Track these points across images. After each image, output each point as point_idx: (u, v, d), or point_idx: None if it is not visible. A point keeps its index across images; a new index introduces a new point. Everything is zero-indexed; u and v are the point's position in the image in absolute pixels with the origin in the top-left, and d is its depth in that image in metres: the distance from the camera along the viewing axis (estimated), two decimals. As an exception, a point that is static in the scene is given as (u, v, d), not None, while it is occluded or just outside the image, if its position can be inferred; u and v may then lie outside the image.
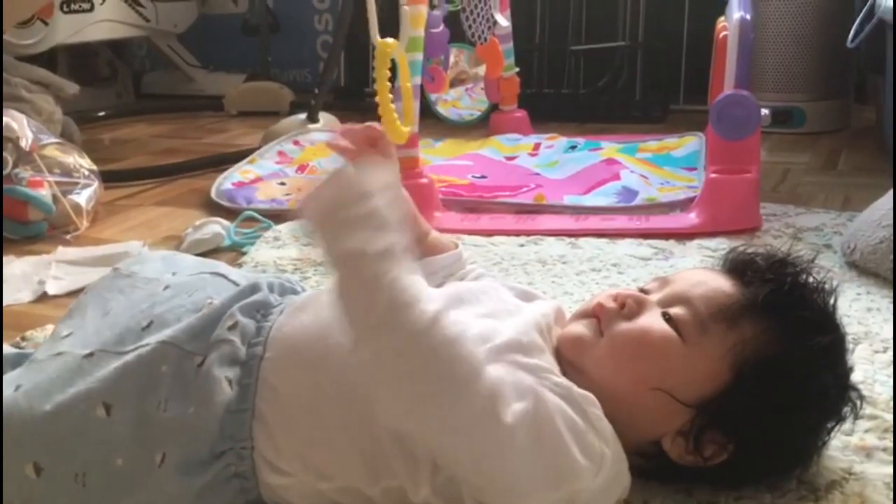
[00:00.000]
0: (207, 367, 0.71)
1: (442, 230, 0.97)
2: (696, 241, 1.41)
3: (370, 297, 0.63)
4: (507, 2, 2.20)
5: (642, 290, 0.77)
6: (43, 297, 1.30)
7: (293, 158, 2.08)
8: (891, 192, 1.28)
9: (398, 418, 0.64)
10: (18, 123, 1.68)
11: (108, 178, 1.86)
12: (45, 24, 2.58)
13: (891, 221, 1.23)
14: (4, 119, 1.66)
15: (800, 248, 0.78)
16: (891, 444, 0.80)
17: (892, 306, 1.12)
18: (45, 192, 1.60)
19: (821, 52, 2.24)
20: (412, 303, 0.62)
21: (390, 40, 0.87)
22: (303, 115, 2.35)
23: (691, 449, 0.70)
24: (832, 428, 0.74)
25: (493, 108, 2.36)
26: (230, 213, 1.65)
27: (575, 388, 0.68)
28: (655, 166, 1.88)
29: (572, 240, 1.44)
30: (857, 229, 1.29)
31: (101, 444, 0.69)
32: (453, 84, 2.50)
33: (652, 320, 0.72)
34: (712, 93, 1.73)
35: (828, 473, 0.76)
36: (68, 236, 1.59)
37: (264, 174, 1.94)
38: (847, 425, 0.76)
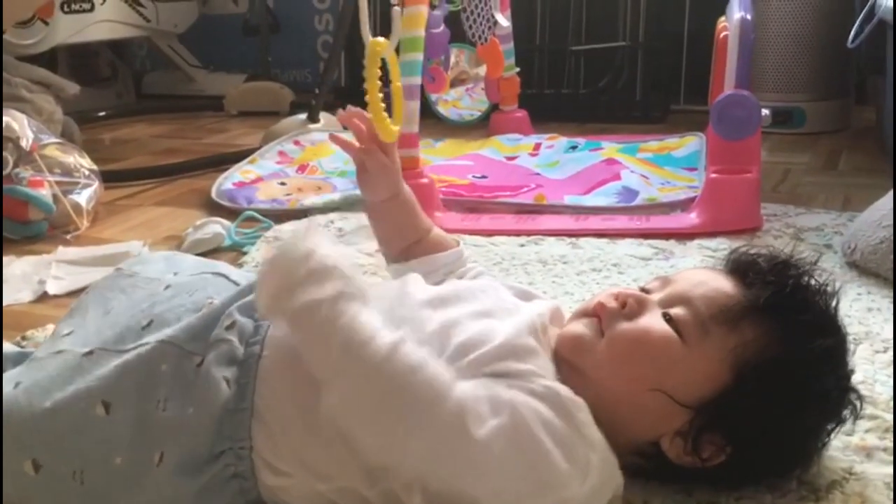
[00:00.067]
0: (206, 367, 0.71)
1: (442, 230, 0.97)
2: (696, 242, 1.41)
3: (325, 341, 0.65)
4: (508, 2, 2.20)
5: (643, 290, 0.77)
6: (43, 297, 1.30)
7: (294, 158, 2.08)
8: (891, 193, 1.28)
9: (377, 456, 0.65)
10: (19, 123, 1.68)
11: (109, 178, 1.86)
12: (46, 24, 2.58)
13: (891, 222, 1.22)
14: (5, 119, 1.66)
15: (801, 250, 0.77)
16: (891, 444, 0.80)
17: (892, 306, 1.12)
18: (45, 192, 1.60)
19: (821, 52, 2.24)
20: (367, 340, 0.64)
21: (381, 39, 0.87)
22: (303, 115, 2.35)
23: (689, 450, 0.70)
24: (832, 430, 0.74)
25: (494, 108, 2.36)
26: (231, 213, 1.65)
27: (563, 392, 0.67)
28: (656, 166, 1.88)
29: (573, 240, 1.44)
30: (858, 229, 1.29)
31: (100, 442, 0.69)
32: (454, 84, 2.50)
33: (653, 321, 0.72)
34: (713, 93, 1.73)
35: (828, 473, 0.76)
36: (68, 236, 1.59)
37: (265, 174, 1.94)
38: (848, 425, 0.76)
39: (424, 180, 1.56)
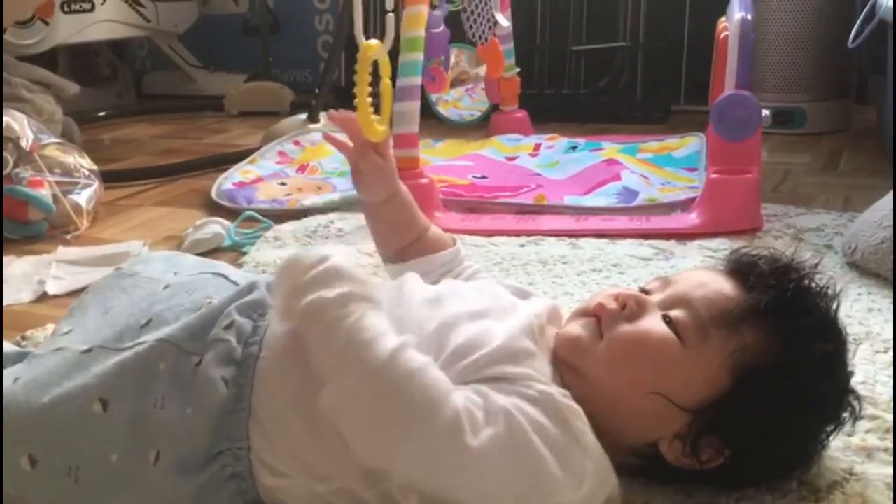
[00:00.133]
0: (204, 367, 0.70)
1: (442, 230, 0.97)
2: (696, 242, 1.41)
3: (329, 341, 0.65)
4: (508, 2, 2.20)
5: (643, 290, 0.77)
6: (43, 297, 1.30)
7: (294, 158, 2.08)
8: (891, 193, 1.28)
9: (371, 458, 0.65)
10: (19, 123, 1.68)
11: (109, 178, 1.86)
12: (46, 24, 2.58)
13: (891, 222, 1.22)
14: (5, 119, 1.66)
15: (802, 251, 0.77)
16: (891, 445, 0.80)
17: (892, 307, 1.12)
18: (45, 192, 1.60)
19: (822, 52, 2.24)
20: (369, 342, 0.64)
21: (374, 41, 0.87)
22: (303, 116, 2.35)
23: (688, 452, 0.70)
24: (831, 432, 0.74)
25: (494, 108, 2.36)
26: (231, 213, 1.65)
27: (559, 398, 0.67)
28: (656, 167, 1.88)
29: (573, 240, 1.44)
30: (858, 230, 1.29)
31: (97, 439, 0.69)
32: (454, 84, 2.50)
33: (652, 323, 0.72)
34: (713, 93, 1.72)
35: (829, 474, 0.75)
36: (68, 236, 1.59)
37: (265, 174, 1.94)
38: (848, 426, 0.76)
39: (424, 180, 1.56)
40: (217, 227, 1.50)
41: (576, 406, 0.67)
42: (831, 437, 0.74)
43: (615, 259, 1.35)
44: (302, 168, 1.99)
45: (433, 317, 0.74)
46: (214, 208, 1.73)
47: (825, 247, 1.37)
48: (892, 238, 1.21)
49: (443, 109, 2.47)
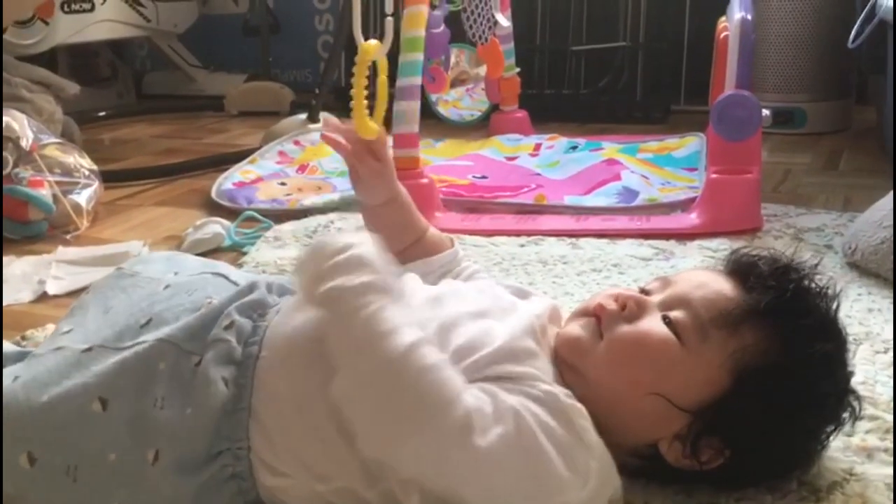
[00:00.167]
0: (204, 367, 0.70)
1: (442, 231, 0.97)
2: (696, 242, 1.41)
3: (347, 328, 0.65)
4: (508, 2, 2.20)
5: (643, 290, 0.77)
6: (43, 297, 1.30)
7: (294, 158, 2.08)
8: (891, 193, 1.28)
9: (377, 449, 0.64)
10: (19, 123, 1.68)
11: (109, 177, 1.86)
12: (46, 23, 2.58)
13: (892, 222, 1.22)
14: (5, 119, 1.66)
15: (802, 251, 0.77)
16: (892, 445, 0.80)
17: (892, 307, 1.12)
18: (45, 192, 1.60)
19: (822, 52, 2.24)
20: (387, 333, 0.64)
21: (373, 41, 0.88)
22: (303, 115, 2.35)
23: (688, 453, 0.70)
24: (831, 432, 0.74)
25: (494, 108, 2.36)
26: (231, 213, 1.65)
27: (563, 397, 0.67)
28: (656, 167, 1.88)
29: (573, 240, 1.44)
30: (858, 230, 1.29)
31: (95, 438, 0.69)
32: (454, 84, 2.50)
33: (652, 324, 0.72)
34: (713, 93, 1.72)
35: (829, 474, 0.75)
36: (68, 236, 1.59)
37: (265, 174, 1.94)
38: (848, 427, 0.76)
39: (424, 180, 1.56)
40: (217, 227, 1.50)
41: (579, 406, 0.67)
42: (831, 438, 0.74)
43: (615, 259, 1.35)
44: (302, 168, 1.99)
45: (434, 317, 0.73)
46: (214, 208, 1.73)
47: (825, 247, 1.37)
48: (892, 238, 1.21)
49: (443, 109, 2.47)
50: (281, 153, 2.12)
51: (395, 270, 0.70)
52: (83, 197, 1.66)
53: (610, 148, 2.01)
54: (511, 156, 2.03)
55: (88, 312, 0.80)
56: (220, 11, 3.30)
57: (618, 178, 1.76)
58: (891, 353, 0.98)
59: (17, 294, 1.30)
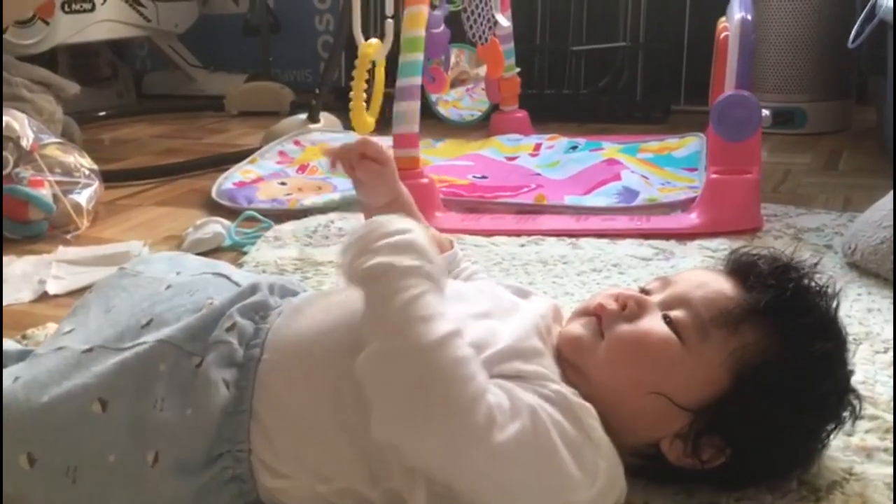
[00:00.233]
0: (205, 369, 0.70)
1: (443, 230, 0.97)
2: (696, 242, 1.41)
3: (385, 306, 0.64)
4: (508, 2, 2.20)
5: (643, 290, 0.77)
6: (43, 297, 1.30)
7: (294, 158, 2.08)
8: (891, 193, 1.28)
9: (393, 433, 0.63)
10: (19, 123, 1.68)
11: (109, 177, 1.86)
12: (46, 23, 2.58)
13: (891, 222, 1.22)
14: (5, 119, 1.66)
15: (802, 251, 0.77)
16: (891, 445, 0.80)
17: (892, 307, 1.12)
18: (45, 192, 1.60)
19: (822, 52, 2.24)
20: (425, 318, 0.63)
21: (373, 41, 0.88)
22: (303, 115, 2.35)
23: (689, 452, 0.70)
24: (832, 431, 0.74)
25: (494, 108, 2.36)
26: (231, 213, 1.65)
27: (571, 396, 0.67)
28: (656, 167, 1.88)
29: (573, 240, 1.44)
30: (858, 230, 1.29)
31: (95, 439, 0.69)
32: (454, 84, 2.50)
33: (652, 323, 0.72)
34: (713, 93, 1.72)
35: (829, 474, 0.76)
36: (69, 236, 1.59)
37: (265, 174, 1.94)
38: (848, 426, 0.76)
39: (424, 180, 1.56)
40: (217, 227, 1.51)
41: (587, 405, 0.67)
42: (831, 437, 0.74)
43: (615, 259, 1.35)
44: (302, 168, 1.99)
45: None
46: (214, 208, 1.73)
47: (825, 247, 1.37)
48: (892, 238, 1.21)
49: (443, 109, 2.47)
50: (281, 153, 2.12)
51: (442, 264, 0.70)
52: (83, 197, 1.67)
53: (610, 148, 2.01)
54: (511, 156, 2.03)
55: (90, 312, 0.80)
56: (221, 11, 3.30)
57: (618, 178, 1.76)
58: (891, 353, 0.98)
59: (18, 294, 1.30)
